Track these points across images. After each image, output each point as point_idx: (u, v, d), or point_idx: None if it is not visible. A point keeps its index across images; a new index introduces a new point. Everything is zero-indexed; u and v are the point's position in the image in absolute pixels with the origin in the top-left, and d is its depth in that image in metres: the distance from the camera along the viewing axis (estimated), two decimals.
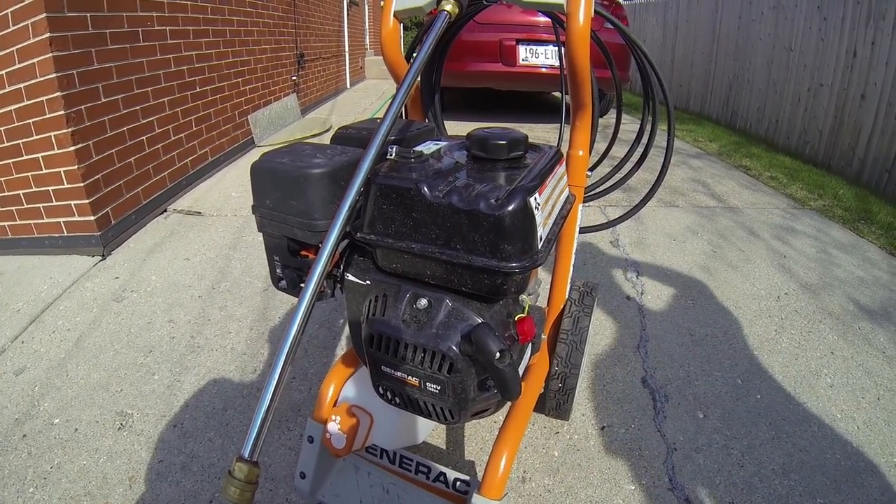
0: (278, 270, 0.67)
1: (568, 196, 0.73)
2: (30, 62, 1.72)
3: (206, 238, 2.05)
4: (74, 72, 1.81)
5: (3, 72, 1.74)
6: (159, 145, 2.35)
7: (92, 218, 1.91)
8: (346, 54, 6.17)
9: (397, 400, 0.63)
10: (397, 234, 0.55)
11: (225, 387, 1.23)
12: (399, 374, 0.58)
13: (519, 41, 3.70)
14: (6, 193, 1.93)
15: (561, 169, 0.68)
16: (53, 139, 1.80)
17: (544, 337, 0.95)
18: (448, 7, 0.64)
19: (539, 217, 0.53)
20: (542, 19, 3.73)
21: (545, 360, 0.95)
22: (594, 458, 1.05)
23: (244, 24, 3.28)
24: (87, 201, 1.88)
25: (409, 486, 0.75)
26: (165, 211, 2.35)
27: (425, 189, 0.51)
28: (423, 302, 0.55)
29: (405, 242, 0.54)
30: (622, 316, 1.57)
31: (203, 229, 2.14)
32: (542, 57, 3.71)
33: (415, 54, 0.60)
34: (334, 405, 0.78)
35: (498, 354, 0.51)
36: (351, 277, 0.63)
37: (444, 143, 0.68)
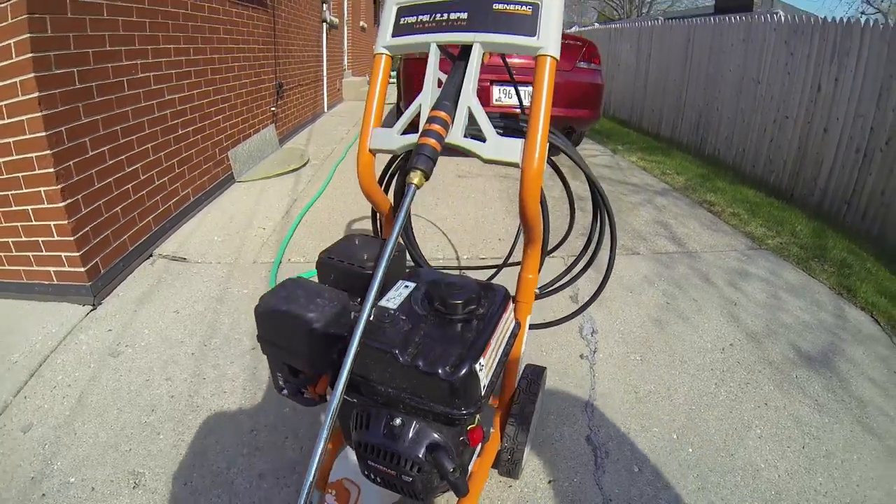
0: (280, 381, 0.86)
1: (513, 329, 0.92)
2: (18, 119, 1.82)
3: (192, 288, 2.20)
4: (63, 129, 1.92)
5: None
6: (144, 192, 2.48)
7: (82, 269, 2.03)
8: (325, 78, 6.35)
9: (379, 481, 0.82)
10: (378, 379, 0.75)
11: (226, 446, 1.40)
12: (381, 467, 0.78)
13: (493, 82, 3.94)
14: None
15: (507, 315, 0.87)
16: (43, 194, 1.92)
17: (493, 430, 1.16)
18: (415, 180, 0.83)
19: (483, 376, 0.75)
20: (517, 61, 3.98)
21: (497, 437, 1.16)
22: None
23: (225, 60, 3.43)
24: (77, 254, 2.00)
25: None
26: (151, 256, 2.49)
27: (397, 352, 0.72)
28: (398, 421, 0.75)
29: (383, 386, 0.75)
30: (575, 374, 1.75)
31: (189, 278, 2.28)
32: (514, 98, 3.96)
33: (394, 227, 0.79)
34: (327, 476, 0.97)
35: (451, 470, 0.71)
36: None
37: (409, 291, 0.87)
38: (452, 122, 0.90)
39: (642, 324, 2.08)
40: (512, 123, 1.13)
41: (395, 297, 0.85)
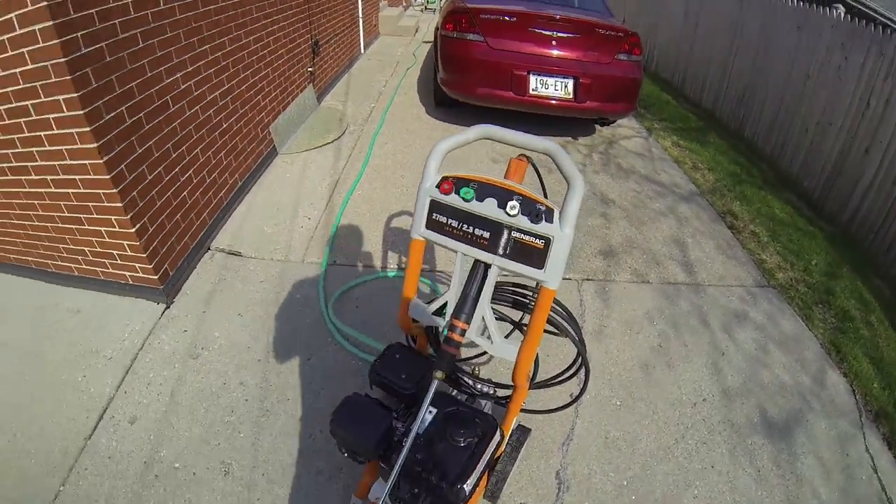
0: (344, 453, 1.27)
1: (498, 442, 1.27)
2: (80, 162, 2.05)
3: (251, 289, 2.58)
4: (123, 167, 2.16)
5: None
6: (198, 192, 2.80)
7: (155, 276, 2.43)
8: (360, 19, 6.26)
9: None
10: (410, 475, 1.14)
11: (291, 446, 1.88)
12: None
13: (530, 71, 4.01)
14: (71, 247, 2.42)
15: (493, 440, 1.20)
16: (114, 221, 2.24)
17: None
18: (439, 375, 1.19)
19: (468, 486, 1.09)
20: (554, 52, 4.01)
21: (485, 480, 1.53)
22: None
23: (260, 38, 3.52)
24: (150, 266, 2.39)
25: None
26: (209, 249, 2.87)
27: (419, 469, 1.10)
28: (416, 490, 1.15)
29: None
30: (563, 412, 1.96)
31: (246, 276, 2.66)
32: (551, 88, 4.04)
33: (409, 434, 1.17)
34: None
35: None
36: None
37: (432, 416, 1.20)
38: (469, 325, 1.23)
39: (631, 367, 2.36)
40: (520, 301, 1.48)
41: (424, 420, 1.20)
